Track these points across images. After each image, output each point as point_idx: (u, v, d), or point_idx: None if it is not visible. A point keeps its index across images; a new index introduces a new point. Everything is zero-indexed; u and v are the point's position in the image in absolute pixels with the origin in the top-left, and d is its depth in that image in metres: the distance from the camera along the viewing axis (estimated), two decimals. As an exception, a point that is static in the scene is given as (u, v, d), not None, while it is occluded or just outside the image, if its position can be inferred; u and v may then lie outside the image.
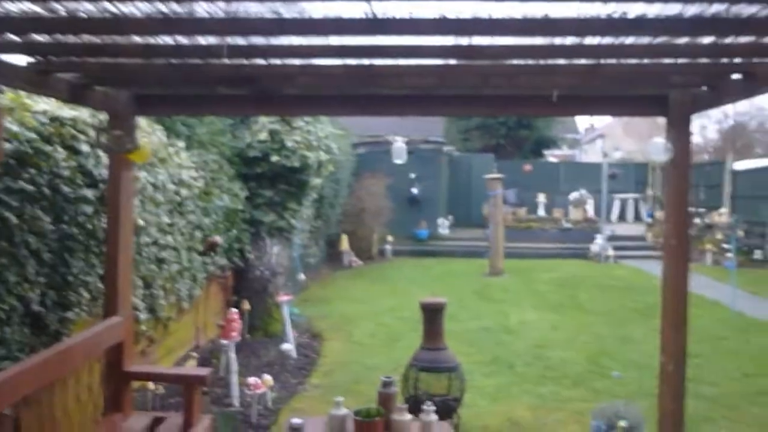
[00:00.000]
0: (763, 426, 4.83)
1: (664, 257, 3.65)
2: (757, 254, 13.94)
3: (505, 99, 3.55)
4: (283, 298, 6.72)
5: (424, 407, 3.10)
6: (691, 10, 2.26)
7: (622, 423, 4.02)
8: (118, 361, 3.32)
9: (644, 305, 9.15)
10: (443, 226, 16.40)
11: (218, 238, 5.63)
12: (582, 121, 38.16)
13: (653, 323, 3.53)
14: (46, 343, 3.47)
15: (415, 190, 16.01)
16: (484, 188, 13.37)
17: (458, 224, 17.42)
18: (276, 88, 3.39)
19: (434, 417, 3.03)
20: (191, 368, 5.07)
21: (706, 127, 31.85)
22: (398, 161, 8.04)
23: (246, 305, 6.80)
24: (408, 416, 3.03)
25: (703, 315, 8.66)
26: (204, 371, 3.30)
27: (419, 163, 16.13)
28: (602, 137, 36.20)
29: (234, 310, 5.51)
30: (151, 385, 4.71)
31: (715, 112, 29.95)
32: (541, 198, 18.64)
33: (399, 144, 7.96)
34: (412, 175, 15.95)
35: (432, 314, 4.38)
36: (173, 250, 5.34)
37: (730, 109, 29.59)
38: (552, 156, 26.89)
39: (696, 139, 31.36)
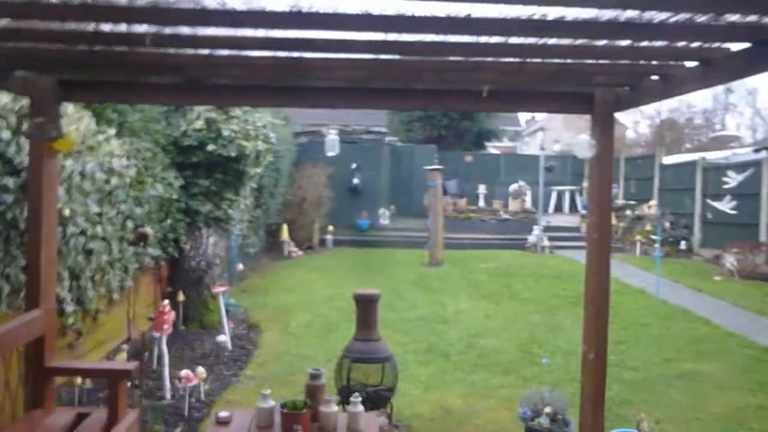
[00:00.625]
0: (679, 407, 5.10)
1: (587, 250, 3.78)
2: (683, 245, 14.60)
3: (436, 93, 3.60)
4: (219, 288, 6.64)
5: (351, 399, 3.13)
6: (607, 14, 2.35)
7: (548, 409, 4.17)
8: (38, 356, 3.22)
9: (575, 294, 9.47)
10: (384, 216, 16.51)
11: (149, 229, 5.49)
12: (523, 114, 38.99)
13: (582, 311, 3.66)
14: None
15: (356, 180, 16.07)
16: (426, 179, 13.52)
17: (399, 214, 17.58)
18: (205, 78, 3.34)
19: (361, 408, 3.07)
20: (116, 362, 4.96)
21: (639, 122, 33.11)
22: (331, 153, 8.04)
23: (181, 296, 6.69)
24: (335, 408, 3.06)
25: (628, 302, 9.05)
26: (129, 365, 3.23)
27: (361, 153, 16.21)
28: (543, 130, 37.07)
29: (166, 302, 5.42)
30: (78, 379, 4.59)
31: (648, 108, 31.11)
32: (482, 189, 19.00)
33: (332, 136, 7.96)
34: (354, 165, 16.00)
35: (365, 305, 4.41)
36: (102, 240, 5.19)
37: (661, 105, 30.82)
38: (493, 148, 27.38)
39: (629, 133, 32.55)
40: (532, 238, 15.19)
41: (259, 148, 7.44)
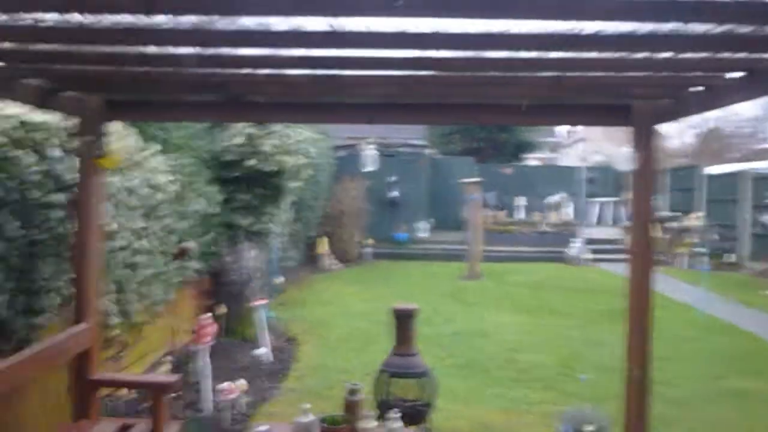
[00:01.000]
0: (726, 426, 4.93)
1: (629, 265, 3.71)
2: (731, 257, 14.17)
3: (473, 108, 3.59)
4: (258, 302, 6.72)
5: (390, 414, 3.13)
6: (647, 27, 2.32)
7: (589, 427, 4.09)
8: (84, 368, 3.31)
9: (616, 308, 9.25)
10: (423, 229, 16.47)
11: (191, 244, 5.62)
12: (563, 125, 38.51)
13: (622, 326, 3.59)
14: (14, 348, 3.45)
15: (394, 193, 16.08)
16: (464, 191, 13.45)
17: (438, 227, 17.52)
18: (243, 96, 3.41)
19: (399, 424, 3.06)
20: (158, 375, 5.05)
21: (684, 131, 32.30)
22: (369, 168, 8.06)
23: (222, 309, 6.79)
24: (374, 423, 3.06)
25: (672, 317, 8.81)
26: (171, 378, 3.30)
27: (399, 165, 16.24)
28: (583, 141, 36.55)
29: (208, 314, 5.51)
30: (123, 390, 4.69)
31: (693, 117, 30.40)
32: (521, 201, 18.79)
33: (369, 151, 7.98)
34: (392, 178, 16.02)
35: (403, 320, 4.41)
36: (147, 254, 5.31)
37: (707, 113, 30.05)
38: (532, 159, 27.11)
39: (674, 143, 31.80)
40: (571, 251, 14.95)
41: (298, 162, 7.54)
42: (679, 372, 6.33)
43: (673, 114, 3.56)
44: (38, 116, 3.85)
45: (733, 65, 2.79)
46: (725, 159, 26.10)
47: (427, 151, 18.80)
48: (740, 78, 2.92)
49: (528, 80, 3.05)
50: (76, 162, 3.73)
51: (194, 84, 3.28)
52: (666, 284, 11.28)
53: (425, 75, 2.99)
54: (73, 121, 3.85)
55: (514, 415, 5.13)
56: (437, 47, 2.49)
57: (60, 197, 3.88)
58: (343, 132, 16.46)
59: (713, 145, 29.77)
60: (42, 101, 3.36)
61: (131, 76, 3.13)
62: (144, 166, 5.29)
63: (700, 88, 3.22)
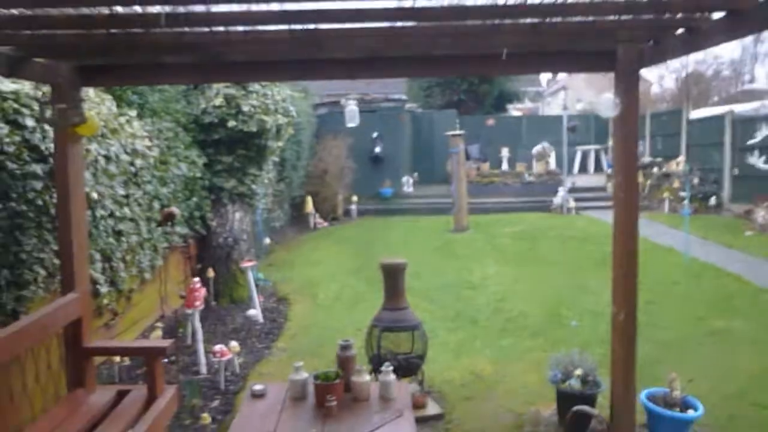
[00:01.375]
0: (712, 365, 5.07)
1: (614, 210, 3.73)
2: (712, 201, 14.34)
3: (455, 59, 3.54)
4: (247, 263, 6.72)
5: (383, 368, 3.17)
6: (629, -32, 2.28)
7: (578, 371, 4.18)
8: (77, 338, 3.30)
9: (601, 254, 9.38)
10: (407, 184, 16.47)
11: (175, 209, 5.57)
12: (545, 74, 38.28)
13: (609, 272, 3.63)
14: (2, 322, 3.43)
15: (377, 149, 16.00)
16: (447, 145, 13.41)
17: (423, 182, 17.53)
18: (220, 55, 3.32)
19: (392, 377, 3.11)
20: (152, 340, 5.07)
21: (664, 76, 32.23)
22: (351, 124, 7.97)
23: (210, 273, 6.79)
24: (367, 377, 3.10)
25: (657, 261, 8.95)
26: (164, 342, 3.31)
27: (381, 121, 16.11)
28: (564, 89, 36.40)
29: (196, 279, 5.50)
30: (117, 357, 4.71)
31: (673, 62, 30.32)
32: (505, 152, 18.79)
33: (351, 107, 7.87)
34: (375, 134, 15.92)
35: (392, 275, 4.43)
36: (131, 221, 5.27)
37: (687, 57, 29.98)
38: (515, 110, 26.97)
39: (654, 88, 31.78)
40: (557, 200, 15.04)
41: (279, 122, 7.44)
42: (665, 314, 6.47)
43: (656, 57, 3.53)
44: (8, 86, 3.75)
45: (715, 5, 2.76)
46: (706, 103, 26.18)
47: (408, 105, 18.63)
48: (722, 18, 2.89)
49: (509, 27, 3.00)
50: (52, 131, 3.65)
51: (168, 45, 3.19)
52: (650, 229, 11.43)
53: (406, 26, 2.93)
54: (46, 89, 3.76)
55: (504, 363, 5.23)
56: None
57: (38, 168, 3.82)
58: (322, 89, 16.25)
59: (694, 88, 29.80)
60: (11, 70, 3.25)
61: (102, 40, 3.03)
62: (121, 132, 5.20)
63: (682, 30, 3.20)
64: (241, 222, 7.37)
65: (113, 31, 2.89)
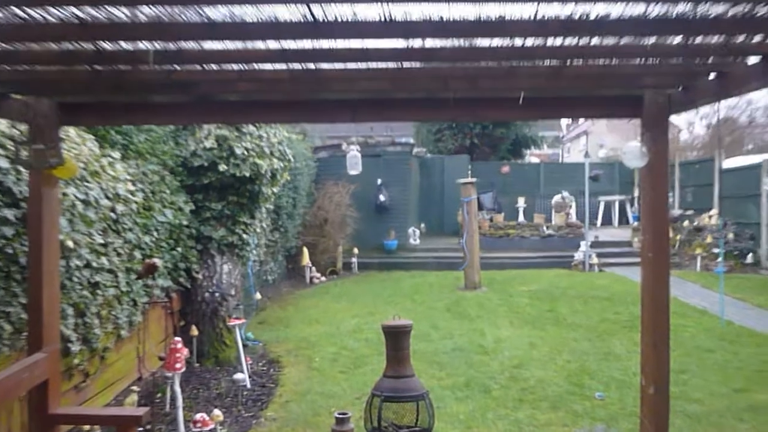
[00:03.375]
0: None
1: (642, 271, 3.70)
2: (749, 258, 14.27)
3: (468, 102, 3.57)
4: (235, 321, 6.66)
5: (384, 444, 3.09)
6: (656, 10, 2.31)
7: (603, 450, 4.07)
8: (42, 403, 3.24)
9: (628, 317, 9.29)
10: (414, 235, 16.48)
11: (157, 260, 5.55)
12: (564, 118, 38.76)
13: (637, 336, 3.57)
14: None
15: (382, 197, 16.09)
16: (458, 193, 13.47)
17: (431, 233, 17.57)
18: (215, 95, 3.37)
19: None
20: (125, 408, 4.98)
21: (694, 122, 32.63)
22: (353, 172, 8.04)
23: (194, 331, 6.73)
24: (366, 454, 3.02)
25: (689, 325, 8.85)
26: (139, 411, 3.24)
27: (386, 167, 16.27)
28: (586, 134, 36.80)
29: (177, 338, 5.44)
30: (85, 426, 4.62)
31: (703, 107, 30.66)
32: (521, 202, 18.84)
33: (353, 153, 7.95)
34: (379, 181, 16.03)
35: (396, 337, 4.37)
36: (109, 272, 5.25)
37: (719, 103, 30.34)
38: (532, 156, 27.22)
39: (683, 135, 32.09)
40: (578, 255, 15.00)
41: (274, 167, 7.50)
42: (699, 385, 6.34)
43: (686, 103, 3.56)
44: (-17, 123, 3.79)
45: (749, 50, 2.79)
46: (740, 151, 26.37)
47: (416, 150, 18.85)
48: (756, 64, 2.92)
49: (526, 70, 3.04)
50: (27, 173, 3.66)
51: (156, 84, 3.23)
52: (680, 289, 11.33)
53: (414, 67, 2.97)
54: (22, 128, 3.79)
55: (520, 439, 5.10)
56: (427, 35, 2.47)
57: (9, 213, 3.82)
58: (324, 131, 16.48)
59: (726, 136, 30.07)
60: (-15, 107, 3.30)
61: (86, 77, 3.07)
62: (103, 175, 5.23)
63: (714, 75, 3.23)
64: (229, 275, 7.34)
65: (98, 67, 2.93)
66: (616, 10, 2.32)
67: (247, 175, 7.05)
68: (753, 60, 2.91)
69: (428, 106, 3.63)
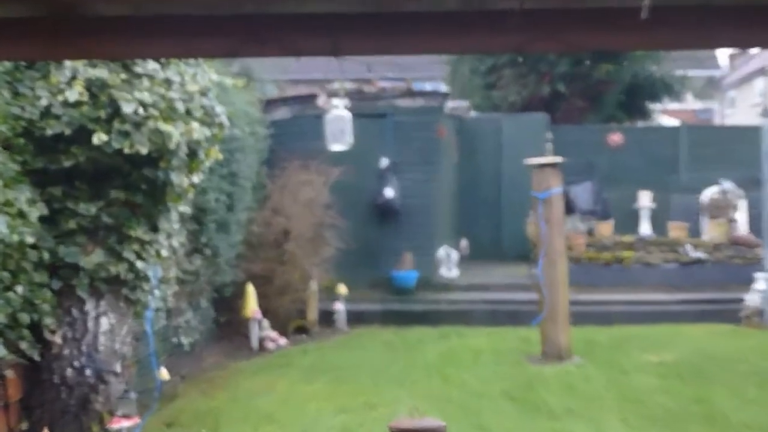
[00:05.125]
0: None
1: None
2: None
3: (546, 16, 3.56)
4: (121, 423, 6.67)
5: None
6: None
7: None
8: None
9: None
10: (448, 262, 16.46)
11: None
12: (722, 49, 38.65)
13: None
14: None
15: (389, 192, 16.04)
16: (529, 183, 13.42)
17: (478, 256, 17.60)
18: (78, 5, 3.38)
19: None
20: None
21: None
22: (337, 146, 8.03)
23: (46, 438, 6.75)
24: None
25: None
26: None
27: (398, 136, 16.22)
28: (765, 74, 36.68)
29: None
30: None
31: None
32: (644, 200, 18.79)
33: (337, 113, 7.91)
34: (384, 162, 15.98)
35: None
36: None
37: None
38: (664, 114, 27.10)
39: None
40: (752, 298, 14.96)
41: (194, 137, 7.50)
42: None
43: None
44: None
45: None
46: None
47: (451, 104, 18.80)
48: None
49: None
50: None
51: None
52: None
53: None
54: None
55: None
56: None
57: None
58: (284, 72, 16.45)
59: None
60: None
61: None
62: None
63: None
64: (112, 336, 7.37)
65: None
66: None
67: (144, 151, 7.06)
68: None
69: (470, 24, 3.63)
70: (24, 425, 7.00)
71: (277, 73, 16.04)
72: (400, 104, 17.01)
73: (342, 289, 14.85)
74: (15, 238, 6.64)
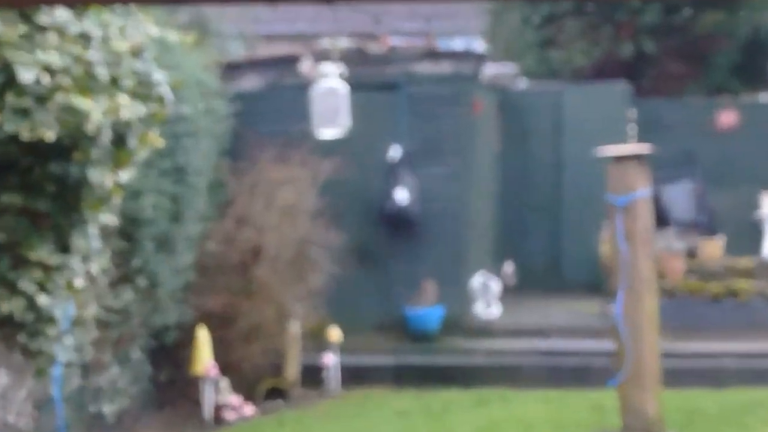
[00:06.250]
0: None
1: None
2: None
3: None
4: None
5: None
6: None
7: None
8: None
9: None
10: (485, 293, 16.45)
11: None
12: None
13: None
14: None
15: (403, 195, 16.05)
16: (601, 183, 13.40)
17: (530, 284, 17.61)
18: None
19: None
20: None
21: None
22: (329, 132, 7.98)
23: None
24: None
25: None
26: None
27: (415, 114, 16.23)
28: None
29: None
30: None
31: None
32: (767, 207, 18.80)
33: (327, 85, 7.88)
34: (397, 151, 16.00)
35: None
36: None
37: None
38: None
39: None
40: None
41: (123, 117, 7.47)
42: None
43: None
44: None
45: None
46: None
47: (491, 70, 18.81)
48: None
49: None
50: None
51: None
52: None
53: None
54: None
55: None
56: None
57: None
58: (253, 22, 16.50)
59: None
60: None
61: None
62: None
63: None
64: (3, 401, 7.33)
65: None
66: None
67: (51, 138, 7.03)
68: None
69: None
70: None
71: (245, 24, 16.05)
72: (419, 70, 16.99)
73: (335, 333, 14.87)
74: None
